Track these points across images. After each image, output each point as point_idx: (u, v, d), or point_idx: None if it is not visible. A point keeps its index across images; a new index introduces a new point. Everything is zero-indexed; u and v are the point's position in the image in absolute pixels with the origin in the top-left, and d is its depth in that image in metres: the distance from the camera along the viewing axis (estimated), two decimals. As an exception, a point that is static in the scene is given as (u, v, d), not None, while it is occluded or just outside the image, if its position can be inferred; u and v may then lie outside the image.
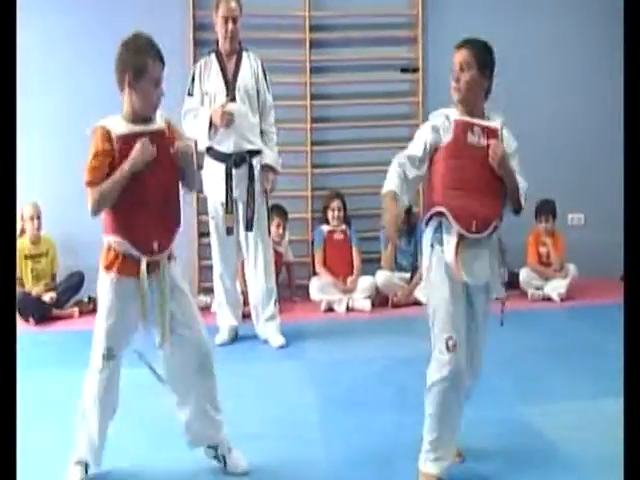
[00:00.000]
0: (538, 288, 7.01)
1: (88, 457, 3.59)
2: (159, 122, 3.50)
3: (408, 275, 6.96)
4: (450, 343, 3.52)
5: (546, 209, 7.08)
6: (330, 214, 6.96)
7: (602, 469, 3.69)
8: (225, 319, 5.90)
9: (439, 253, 3.53)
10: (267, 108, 5.72)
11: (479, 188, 3.50)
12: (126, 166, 3.32)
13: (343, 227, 7.00)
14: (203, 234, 7.02)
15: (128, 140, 3.36)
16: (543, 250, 7.12)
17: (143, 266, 3.44)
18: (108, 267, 3.49)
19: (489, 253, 3.58)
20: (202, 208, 6.98)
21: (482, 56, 3.61)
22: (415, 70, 7.33)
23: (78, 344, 5.90)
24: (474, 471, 3.70)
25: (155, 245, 3.48)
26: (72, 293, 6.89)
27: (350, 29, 7.29)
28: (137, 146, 3.33)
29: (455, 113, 3.59)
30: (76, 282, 6.90)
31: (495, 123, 3.56)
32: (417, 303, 6.84)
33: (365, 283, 6.85)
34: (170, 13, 6.95)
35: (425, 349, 5.64)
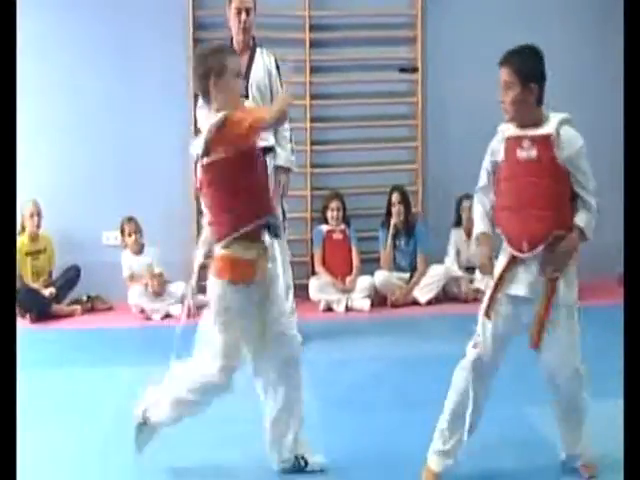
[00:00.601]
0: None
1: None
2: None
3: (407, 275, 6.96)
4: (475, 341, 3.57)
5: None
6: (329, 214, 6.96)
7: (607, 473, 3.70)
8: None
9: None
10: None
11: (534, 203, 3.38)
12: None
13: (342, 227, 7.00)
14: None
15: None
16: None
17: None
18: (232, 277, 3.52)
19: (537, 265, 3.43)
20: (201, 207, 6.97)
21: (525, 70, 3.48)
22: (414, 70, 7.32)
23: (78, 343, 5.98)
24: (473, 467, 3.72)
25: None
26: (69, 287, 6.90)
27: (350, 29, 7.28)
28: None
29: (508, 128, 3.53)
30: (72, 276, 6.91)
31: (547, 129, 3.41)
32: (416, 303, 6.85)
33: (364, 283, 6.85)
34: (170, 13, 6.93)
35: (424, 349, 5.67)
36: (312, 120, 7.22)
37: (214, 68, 3.45)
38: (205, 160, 3.42)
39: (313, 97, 7.22)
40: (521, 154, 3.42)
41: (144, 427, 3.63)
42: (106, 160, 7.01)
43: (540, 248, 3.38)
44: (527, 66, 3.49)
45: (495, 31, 7.36)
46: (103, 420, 4.27)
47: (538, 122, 3.46)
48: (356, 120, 7.30)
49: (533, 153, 3.40)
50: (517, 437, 4.05)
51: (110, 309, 6.89)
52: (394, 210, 6.91)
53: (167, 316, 6.58)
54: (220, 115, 3.40)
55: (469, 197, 7.03)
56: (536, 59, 3.53)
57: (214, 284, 3.52)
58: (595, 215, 3.44)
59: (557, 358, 3.50)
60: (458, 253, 7.13)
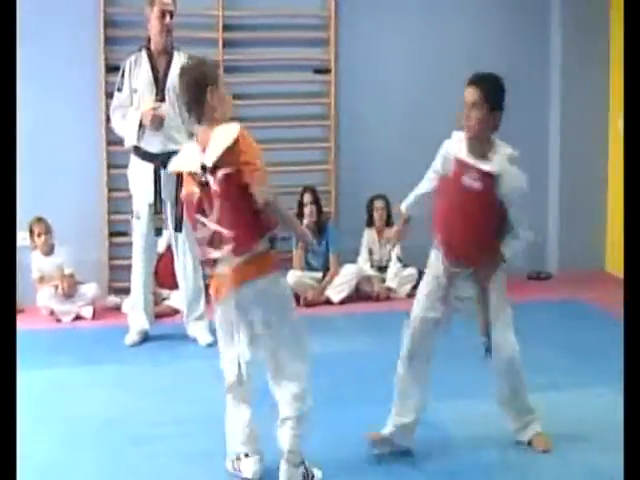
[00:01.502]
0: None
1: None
2: None
3: (320, 275, 7.01)
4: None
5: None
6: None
7: (506, 465, 3.81)
8: (138, 321, 5.87)
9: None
10: None
11: (468, 228, 3.72)
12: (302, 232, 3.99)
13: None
14: (114, 234, 6.95)
15: None
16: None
17: None
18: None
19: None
20: (113, 207, 6.92)
21: (493, 96, 3.74)
22: (328, 71, 7.38)
23: None
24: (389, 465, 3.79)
25: None
26: None
27: (263, 29, 7.29)
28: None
29: (460, 149, 3.74)
30: None
31: (494, 166, 3.66)
32: (329, 302, 6.90)
33: (277, 283, 6.86)
34: (81, 10, 6.83)
35: (337, 347, 5.73)
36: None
37: (210, 77, 3.55)
38: (220, 172, 3.39)
39: (226, 97, 7.20)
40: (466, 181, 3.67)
41: None
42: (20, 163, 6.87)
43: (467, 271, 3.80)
44: (495, 93, 3.76)
45: (407, 33, 7.50)
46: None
47: (487, 151, 3.70)
48: (269, 120, 7.30)
49: (477, 185, 3.66)
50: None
51: (20, 311, 6.74)
52: (306, 210, 6.95)
53: (77, 318, 6.48)
54: (233, 128, 3.48)
55: (381, 197, 7.14)
56: (502, 89, 3.82)
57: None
58: (522, 244, 3.83)
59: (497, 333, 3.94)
60: (370, 253, 7.22)
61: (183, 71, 3.64)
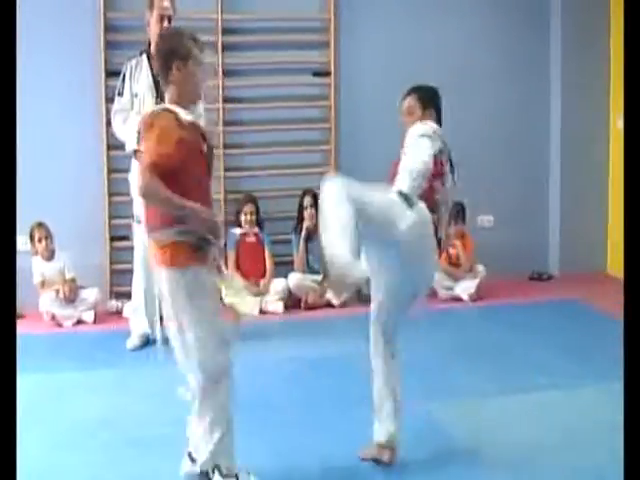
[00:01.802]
0: (448, 289, 7.13)
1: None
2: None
3: (320, 277, 6.98)
4: None
5: (454, 211, 7.21)
6: (243, 218, 6.95)
7: (505, 465, 3.80)
8: (139, 325, 5.86)
9: None
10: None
11: None
12: (189, 210, 3.29)
13: (255, 230, 7.01)
14: (115, 238, 6.95)
15: (194, 128, 3.42)
16: (453, 251, 7.24)
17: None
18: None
19: None
20: (114, 212, 6.92)
21: (426, 96, 4.05)
22: (327, 74, 7.39)
23: None
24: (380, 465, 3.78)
25: None
26: None
27: (263, 32, 7.29)
28: (213, 219, 3.41)
29: None
30: None
31: None
32: (329, 305, 6.90)
33: (278, 286, 6.87)
34: (81, 14, 6.84)
35: (337, 350, 5.73)
36: (225, 124, 7.20)
37: (179, 52, 3.38)
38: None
39: (226, 100, 7.21)
40: None
41: None
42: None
43: None
44: (429, 97, 4.07)
45: (407, 35, 7.50)
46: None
47: None
48: (269, 123, 7.32)
49: None
50: (418, 432, 4.14)
51: (21, 317, 6.75)
52: (306, 213, 6.96)
53: (79, 322, 6.49)
54: (158, 108, 3.44)
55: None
56: (437, 94, 4.12)
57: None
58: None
59: None
60: (371, 255, 7.20)
61: (158, 39, 3.57)
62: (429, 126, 3.85)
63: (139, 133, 3.43)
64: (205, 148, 3.45)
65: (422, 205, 3.62)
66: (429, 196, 3.69)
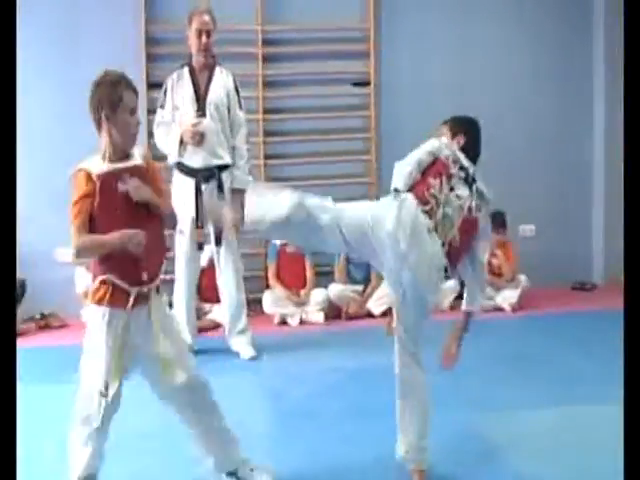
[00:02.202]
0: (490, 298, 7.08)
1: None
2: (138, 158, 3.49)
3: (361, 287, 7.00)
4: None
5: (496, 221, 7.15)
6: (284, 228, 6.97)
7: (551, 477, 3.76)
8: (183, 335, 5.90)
9: None
10: (237, 124, 5.74)
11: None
12: (115, 240, 3.29)
13: (296, 241, 7.02)
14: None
15: (109, 178, 3.37)
16: (494, 261, 7.19)
17: (131, 299, 3.38)
18: (99, 301, 3.40)
19: None
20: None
21: (455, 127, 3.91)
22: (368, 84, 7.39)
23: (31, 361, 5.93)
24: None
25: (145, 276, 3.43)
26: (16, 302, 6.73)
27: (303, 43, 7.33)
28: (131, 233, 3.32)
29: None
30: (18, 292, 6.76)
31: None
32: (370, 315, 6.89)
33: (318, 296, 6.88)
34: (122, 28, 6.92)
35: (378, 360, 5.70)
36: (266, 134, 7.24)
37: (108, 101, 3.40)
38: None
39: (267, 111, 7.25)
40: None
41: None
42: (57, 175, 6.93)
43: None
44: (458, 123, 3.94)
45: (447, 44, 7.49)
46: (55, 438, 4.24)
47: None
48: (309, 134, 7.35)
49: None
50: (464, 444, 4.09)
51: (64, 326, 6.83)
52: (348, 223, 6.94)
53: (121, 332, 6.54)
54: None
55: (422, 210, 7.11)
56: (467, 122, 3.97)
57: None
58: None
59: None
60: (412, 265, 7.18)
61: (90, 88, 3.53)
62: (439, 141, 3.82)
63: None
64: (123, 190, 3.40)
65: (409, 195, 3.58)
66: (420, 189, 3.64)
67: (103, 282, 3.37)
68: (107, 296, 3.36)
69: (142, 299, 3.43)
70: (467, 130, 3.90)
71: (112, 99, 3.40)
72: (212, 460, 3.67)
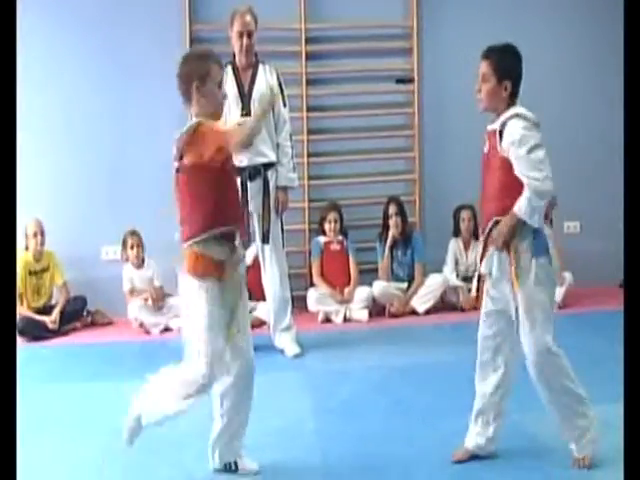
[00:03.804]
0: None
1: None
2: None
3: (405, 285, 6.98)
4: None
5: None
6: (327, 226, 6.98)
7: (599, 474, 3.72)
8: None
9: None
10: (281, 121, 5.75)
11: (488, 194, 3.73)
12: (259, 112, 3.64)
13: (340, 238, 7.02)
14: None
15: None
16: (539, 258, 7.12)
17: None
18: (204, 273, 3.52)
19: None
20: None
21: (502, 65, 3.76)
22: (410, 81, 7.37)
23: (78, 358, 6.00)
24: (477, 475, 3.75)
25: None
26: (74, 318, 6.77)
27: (346, 41, 7.32)
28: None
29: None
30: (78, 307, 6.83)
31: (496, 124, 3.67)
32: (414, 313, 6.87)
33: (362, 294, 6.87)
34: (167, 28, 6.97)
35: (422, 358, 5.70)
36: (309, 132, 7.25)
37: (197, 73, 3.55)
38: (178, 163, 3.55)
39: (309, 109, 7.26)
40: (484, 148, 3.76)
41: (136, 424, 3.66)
42: (102, 175, 7.04)
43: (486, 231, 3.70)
44: (505, 63, 3.78)
45: (491, 41, 7.42)
46: (102, 434, 4.30)
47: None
48: (353, 132, 7.34)
49: (486, 147, 3.74)
50: (511, 442, 4.06)
51: (110, 323, 6.90)
52: (391, 222, 6.94)
53: (166, 330, 6.60)
54: (193, 122, 3.53)
55: (466, 207, 7.08)
56: (514, 59, 3.86)
57: (187, 281, 3.58)
58: (533, 197, 3.56)
59: (523, 335, 3.67)
60: (456, 263, 7.16)
61: (180, 62, 3.70)
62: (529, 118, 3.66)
63: (180, 149, 3.56)
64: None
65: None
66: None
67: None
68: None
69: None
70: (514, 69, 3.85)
71: (201, 72, 3.56)
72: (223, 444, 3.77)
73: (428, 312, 6.87)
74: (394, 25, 7.44)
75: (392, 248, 6.98)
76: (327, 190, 7.35)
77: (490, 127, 3.72)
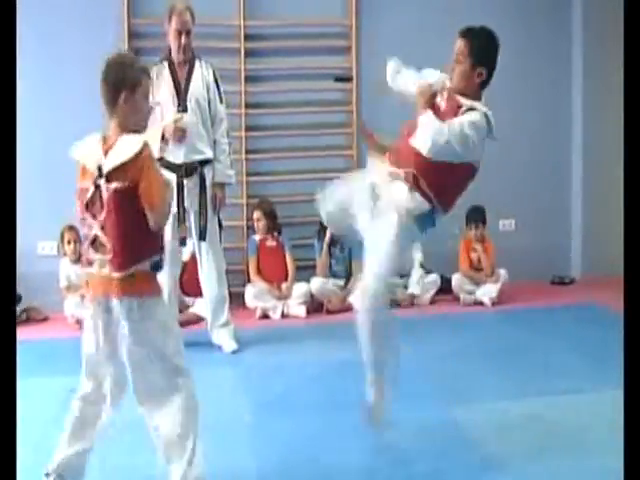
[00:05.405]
0: (470, 293, 7.13)
1: None
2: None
3: (342, 282, 7.03)
4: None
5: (475, 216, 7.22)
6: (255, 224, 7.01)
7: (526, 467, 3.81)
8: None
9: None
10: (218, 118, 5.75)
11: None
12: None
13: (275, 235, 7.04)
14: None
15: None
16: (474, 256, 7.25)
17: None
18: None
19: None
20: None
21: (479, 50, 3.76)
22: (349, 79, 7.42)
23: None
24: (406, 470, 3.79)
25: None
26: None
27: (284, 38, 7.35)
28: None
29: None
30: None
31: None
32: (351, 309, 6.90)
33: (300, 290, 6.91)
34: (105, 21, 6.92)
35: (358, 354, 5.73)
36: (247, 129, 7.26)
37: (128, 82, 3.32)
38: (114, 184, 3.21)
39: (248, 106, 7.27)
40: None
41: None
42: (37, 171, 6.96)
43: None
44: (482, 49, 3.77)
45: (429, 40, 7.51)
46: (36, 431, 4.26)
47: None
48: (291, 129, 7.37)
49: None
50: (441, 436, 4.13)
51: (45, 320, 6.83)
52: (327, 219, 6.98)
53: (103, 326, 6.54)
54: (136, 142, 3.24)
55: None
56: (492, 47, 3.83)
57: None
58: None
59: None
60: (393, 259, 7.22)
61: (105, 66, 3.40)
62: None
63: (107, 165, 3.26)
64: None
65: None
66: None
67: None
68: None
69: None
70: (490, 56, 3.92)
71: (132, 81, 3.32)
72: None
73: (365, 309, 6.91)
74: (333, 23, 7.49)
75: (330, 245, 7.03)
76: (265, 186, 7.37)
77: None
